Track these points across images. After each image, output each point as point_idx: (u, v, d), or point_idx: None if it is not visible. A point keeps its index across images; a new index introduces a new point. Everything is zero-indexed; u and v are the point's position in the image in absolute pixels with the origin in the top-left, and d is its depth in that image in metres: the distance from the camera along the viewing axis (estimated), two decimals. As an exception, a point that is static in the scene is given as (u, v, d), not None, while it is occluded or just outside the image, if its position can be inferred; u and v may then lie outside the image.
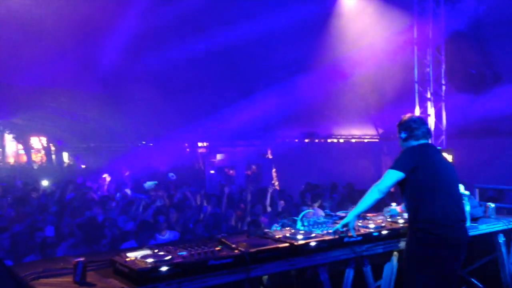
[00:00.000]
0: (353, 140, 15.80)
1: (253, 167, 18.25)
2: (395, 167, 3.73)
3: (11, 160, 32.66)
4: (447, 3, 9.99)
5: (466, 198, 4.67)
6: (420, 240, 3.66)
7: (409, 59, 10.58)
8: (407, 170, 3.68)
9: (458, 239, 3.68)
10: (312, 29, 12.87)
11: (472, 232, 4.52)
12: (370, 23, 11.84)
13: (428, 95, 10.17)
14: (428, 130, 3.98)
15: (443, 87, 10.22)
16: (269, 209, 8.45)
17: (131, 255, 3.11)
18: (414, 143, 3.88)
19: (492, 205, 5.07)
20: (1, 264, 1.00)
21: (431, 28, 9.91)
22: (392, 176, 3.72)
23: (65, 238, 5.96)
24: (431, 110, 10.17)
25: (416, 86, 10.25)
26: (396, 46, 11.49)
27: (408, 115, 4.06)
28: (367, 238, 3.91)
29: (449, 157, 5.74)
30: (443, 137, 10.23)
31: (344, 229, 3.78)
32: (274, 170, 18.49)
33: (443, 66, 10.15)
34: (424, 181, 3.65)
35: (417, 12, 10.02)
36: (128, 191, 9.35)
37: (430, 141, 4.05)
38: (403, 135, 3.94)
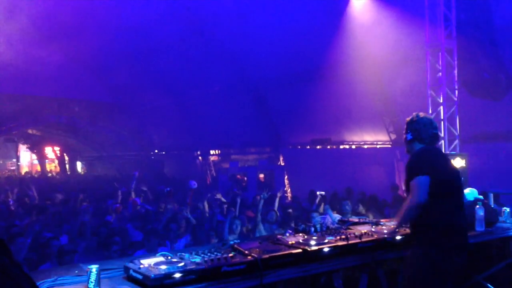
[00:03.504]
0: (366, 146, 15.71)
1: (261, 175, 18.22)
2: (418, 172, 3.58)
3: (25, 169, 33.05)
4: (459, 7, 9.93)
5: (480, 203, 4.63)
6: (421, 243, 3.60)
7: (421, 63, 10.53)
8: (427, 173, 3.58)
9: (459, 245, 3.62)
10: (324, 35, 12.88)
11: (487, 237, 4.47)
12: (381, 28, 11.82)
13: (441, 100, 10.08)
14: (436, 134, 3.86)
15: (456, 92, 10.13)
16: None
17: (145, 262, 3.12)
18: (420, 146, 3.79)
19: (507, 209, 5.01)
20: (20, 269, 1.01)
21: (443, 32, 9.85)
22: (422, 183, 3.55)
23: (78, 244, 6.00)
24: (444, 115, 10.09)
25: (429, 90, 10.18)
26: (408, 50, 11.46)
27: (420, 114, 3.90)
28: (381, 243, 3.88)
29: (462, 162, 5.67)
30: (456, 141, 10.12)
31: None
32: (286, 177, 18.45)
33: (456, 71, 10.07)
34: (430, 187, 3.55)
35: (428, 16, 9.97)
36: (136, 200, 9.34)
37: (437, 145, 3.97)
38: (409, 136, 3.84)
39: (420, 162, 3.65)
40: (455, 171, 3.87)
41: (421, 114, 3.90)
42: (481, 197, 4.89)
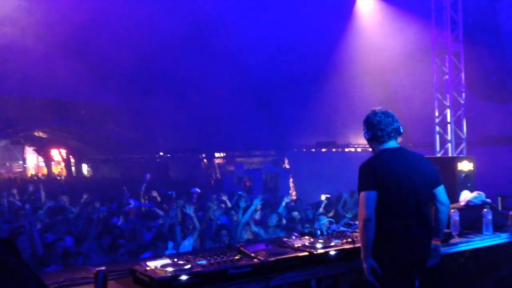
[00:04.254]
0: (371, 149, 15.66)
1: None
2: (365, 187, 3.34)
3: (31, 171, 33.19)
4: (465, 10, 9.90)
5: (487, 207, 4.59)
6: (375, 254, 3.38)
7: (427, 66, 10.50)
8: (375, 187, 3.33)
9: (406, 258, 3.37)
10: (329, 37, 12.88)
11: (495, 241, 4.43)
12: (387, 31, 11.80)
13: (447, 103, 10.05)
14: (396, 129, 3.52)
15: (463, 94, 10.09)
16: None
17: (151, 264, 3.11)
18: (379, 146, 3.53)
19: (516, 213, 4.96)
20: (28, 269, 1.00)
21: (450, 35, 9.82)
22: (368, 199, 3.31)
23: (83, 246, 6.02)
24: (450, 118, 10.05)
25: (435, 93, 10.14)
26: (414, 53, 11.43)
27: (376, 110, 3.56)
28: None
29: (470, 165, 5.63)
30: (463, 145, 10.08)
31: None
32: (291, 180, 18.43)
33: (463, 73, 10.03)
34: (379, 201, 3.32)
35: (435, 19, 9.95)
36: (131, 202, 9.25)
37: (399, 140, 3.60)
38: (366, 135, 3.58)
39: (367, 175, 3.38)
40: (419, 173, 3.45)
41: (376, 109, 3.56)
42: (488, 200, 4.85)
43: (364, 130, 3.57)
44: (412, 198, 3.37)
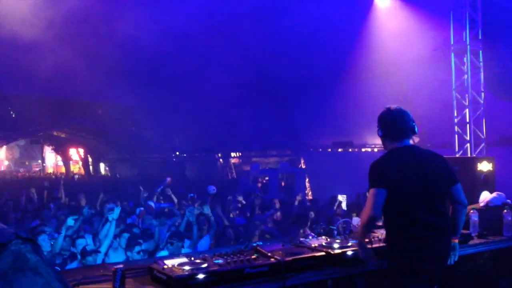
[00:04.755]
0: (383, 147, 15.54)
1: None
2: (374, 184, 3.31)
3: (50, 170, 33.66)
4: (485, 8, 9.76)
5: (507, 208, 4.53)
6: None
7: (445, 66, 10.37)
8: (383, 185, 3.28)
9: (419, 257, 3.29)
10: (346, 37, 12.81)
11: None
12: (405, 30, 11.70)
13: (466, 103, 9.92)
14: (410, 127, 3.43)
15: (482, 94, 9.95)
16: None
17: (168, 263, 3.13)
18: (392, 143, 3.46)
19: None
20: (51, 268, 1.02)
21: (469, 34, 9.69)
22: (376, 196, 3.26)
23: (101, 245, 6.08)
24: (469, 118, 9.92)
25: (454, 93, 10.02)
26: (433, 53, 11.31)
27: (391, 107, 3.49)
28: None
29: (489, 166, 5.55)
30: (483, 145, 9.94)
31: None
32: (307, 179, 18.39)
33: (482, 73, 9.89)
34: (388, 201, 3.26)
35: (453, 17, 9.83)
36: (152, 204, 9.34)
37: (412, 140, 3.53)
38: (379, 132, 3.51)
39: (378, 172, 3.32)
40: (433, 172, 3.36)
41: (392, 107, 3.49)
42: (509, 201, 4.78)
43: (377, 127, 3.51)
44: (424, 197, 3.28)
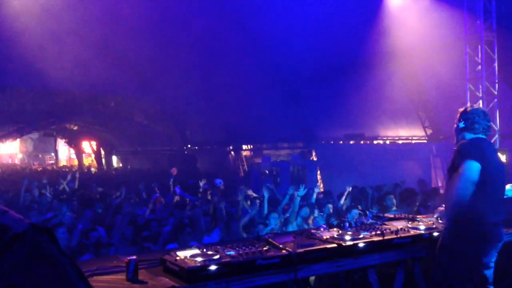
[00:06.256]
0: (400, 142, 15.44)
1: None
2: (470, 157, 3.49)
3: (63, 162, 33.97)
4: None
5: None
6: (457, 232, 3.55)
7: (459, 56, 10.26)
8: (478, 160, 3.50)
9: (494, 237, 3.59)
10: (358, 29, 12.70)
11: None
12: (418, 20, 11.57)
13: (480, 94, 9.81)
14: (489, 127, 3.80)
15: (496, 85, 9.83)
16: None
17: (181, 254, 3.16)
18: (470, 135, 3.73)
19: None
20: (67, 258, 1.03)
21: (483, 25, 9.56)
22: (473, 167, 3.47)
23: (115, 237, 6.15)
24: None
25: (467, 84, 9.91)
26: (446, 43, 11.18)
27: (475, 106, 3.95)
28: (418, 239, 3.81)
29: (503, 158, 5.51)
30: (496, 136, 9.83)
31: None
32: (318, 172, 18.35)
33: (496, 64, 9.76)
34: (478, 176, 3.47)
35: (467, 8, 9.70)
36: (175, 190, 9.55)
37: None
38: (461, 124, 3.78)
39: (473, 148, 3.57)
40: (501, 165, 3.84)
41: (476, 106, 3.93)
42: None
43: (459, 120, 3.79)
44: (501, 186, 3.72)
